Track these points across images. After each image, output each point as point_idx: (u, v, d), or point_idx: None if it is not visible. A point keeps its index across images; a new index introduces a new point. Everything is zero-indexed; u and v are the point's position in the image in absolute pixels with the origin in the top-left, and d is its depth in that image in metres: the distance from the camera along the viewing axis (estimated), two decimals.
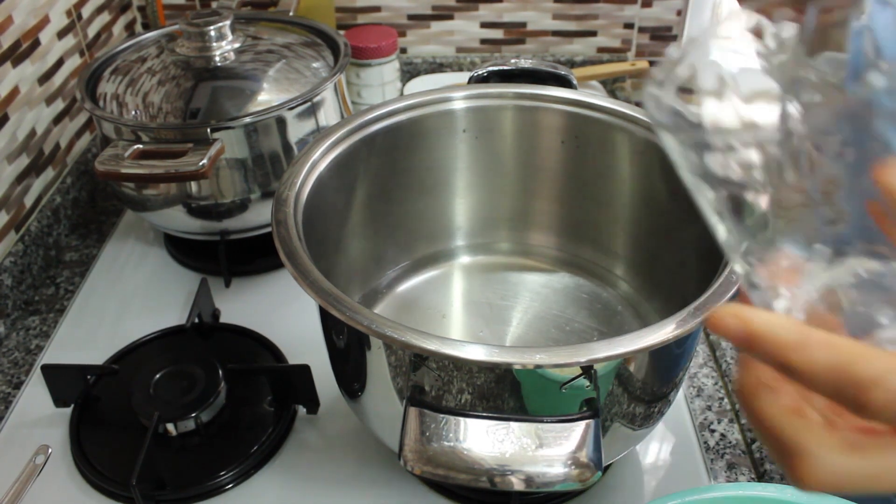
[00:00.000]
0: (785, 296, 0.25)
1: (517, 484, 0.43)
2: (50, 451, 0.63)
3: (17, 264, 0.78)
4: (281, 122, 0.74)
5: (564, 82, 0.66)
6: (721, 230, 0.26)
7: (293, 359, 0.69)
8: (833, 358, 0.24)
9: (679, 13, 1.14)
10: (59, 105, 0.91)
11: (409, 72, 1.15)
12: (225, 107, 0.73)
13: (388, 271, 0.71)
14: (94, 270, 0.83)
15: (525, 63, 0.68)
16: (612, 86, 1.16)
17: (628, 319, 0.67)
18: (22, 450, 0.63)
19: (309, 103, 0.75)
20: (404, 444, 0.44)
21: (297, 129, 0.75)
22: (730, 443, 0.64)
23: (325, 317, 0.53)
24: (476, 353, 0.42)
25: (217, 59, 0.76)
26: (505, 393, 0.46)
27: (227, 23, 0.77)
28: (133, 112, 0.73)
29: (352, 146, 0.62)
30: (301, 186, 0.56)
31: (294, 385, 0.64)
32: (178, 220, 0.78)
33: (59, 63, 0.91)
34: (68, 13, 0.93)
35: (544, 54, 1.17)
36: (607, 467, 0.60)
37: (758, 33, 0.25)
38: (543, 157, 0.68)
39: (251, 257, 0.81)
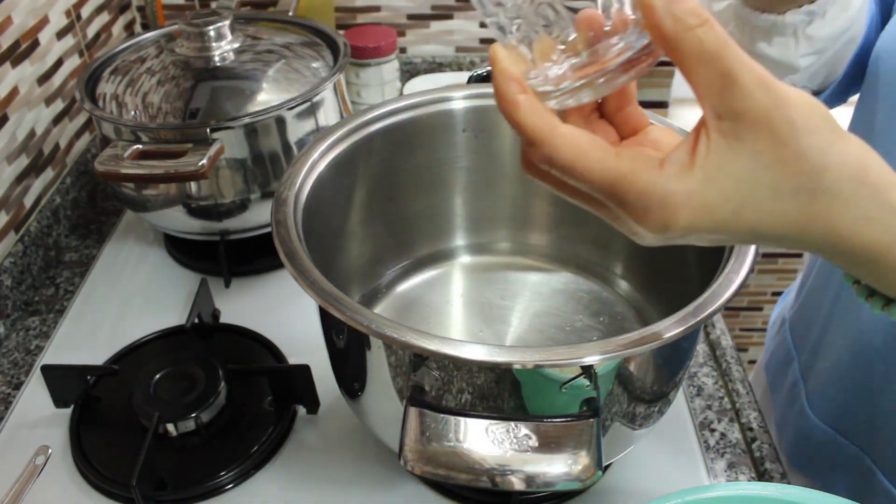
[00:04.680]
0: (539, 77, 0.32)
1: (517, 484, 0.43)
2: (50, 451, 0.63)
3: (17, 265, 0.78)
4: (280, 122, 0.74)
5: None
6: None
7: (293, 359, 0.69)
8: (608, 174, 0.31)
9: None
10: (59, 105, 0.91)
11: (409, 71, 1.15)
12: (224, 107, 0.73)
13: (388, 271, 0.71)
14: (94, 271, 0.83)
15: None
16: None
17: (628, 319, 0.67)
18: (22, 450, 0.63)
19: (308, 103, 0.75)
20: (404, 444, 0.44)
21: (296, 129, 0.75)
22: (730, 442, 0.64)
23: (325, 317, 0.53)
24: (476, 352, 0.42)
25: (216, 59, 0.76)
26: (505, 393, 0.46)
27: (227, 23, 0.77)
28: (132, 112, 0.73)
29: (351, 146, 0.62)
30: (301, 186, 0.56)
31: (294, 385, 0.64)
32: (178, 220, 0.78)
33: (59, 63, 0.91)
34: (67, 13, 0.93)
35: None
36: (607, 467, 0.60)
37: None
38: None
39: (251, 257, 0.81)
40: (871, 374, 0.61)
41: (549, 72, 0.32)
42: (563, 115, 0.35)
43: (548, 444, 0.43)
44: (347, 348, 0.52)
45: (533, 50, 0.32)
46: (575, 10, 0.32)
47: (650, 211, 0.31)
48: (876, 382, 0.61)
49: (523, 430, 0.44)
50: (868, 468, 0.63)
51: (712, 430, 0.65)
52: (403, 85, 1.07)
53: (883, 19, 0.61)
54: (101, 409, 0.66)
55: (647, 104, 1.22)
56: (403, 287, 0.70)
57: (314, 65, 0.79)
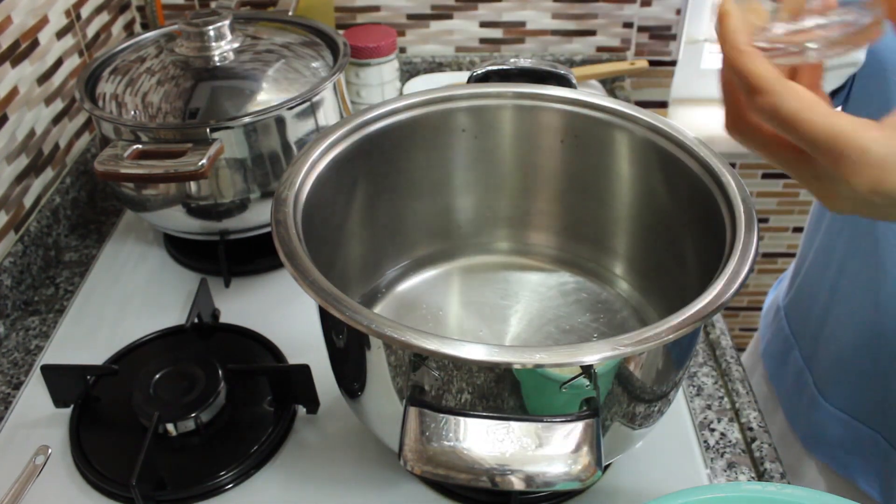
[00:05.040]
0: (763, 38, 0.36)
1: (517, 483, 0.43)
2: (50, 451, 0.63)
3: (17, 265, 0.78)
4: (280, 122, 0.74)
5: (564, 81, 0.66)
6: None
7: (293, 359, 0.69)
8: (832, 128, 0.32)
9: (678, 12, 1.14)
10: (59, 105, 0.91)
11: (409, 71, 1.15)
12: (224, 107, 0.73)
13: (388, 271, 0.71)
14: (94, 270, 0.83)
15: (524, 62, 0.68)
16: (611, 85, 1.16)
17: (628, 319, 0.67)
18: (22, 450, 0.63)
19: (308, 103, 0.75)
20: (404, 443, 0.44)
21: (296, 129, 0.75)
22: (730, 442, 0.64)
23: (325, 317, 0.53)
24: (476, 352, 0.42)
25: (216, 58, 0.76)
26: (505, 392, 0.46)
27: (226, 23, 0.77)
28: (132, 112, 0.73)
29: (351, 146, 0.61)
30: (300, 186, 0.56)
31: (294, 385, 0.64)
32: (177, 220, 0.78)
33: (59, 63, 0.91)
34: (67, 13, 0.93)
35: (543, 53, 1.17)
36: (607, 467, 0.60)
37: None
38: (543, 157, 0.68)
39: (251, 257, 0.81)
40: (879, 357, 0.61)
41: (770, 31, 0.36)
42: None
43: (548, 444, 0.43)
44: (347, 348, 0.52)
45: (757, 11, 0.36)
46: None
47: (865, 168, 0.32)
48: (886, 365, 0.61)
49: (523, 430, 0.44)
50: (885, 449, 0.63)
51: (712, 430, 0.65)
52: (403, 85, 1.07)
53: None
54: (101, 409, 0.66)
55: (647, 104, 1.22)
56: (403, 287, 0.70)
57: (314, 65, 0.79)
